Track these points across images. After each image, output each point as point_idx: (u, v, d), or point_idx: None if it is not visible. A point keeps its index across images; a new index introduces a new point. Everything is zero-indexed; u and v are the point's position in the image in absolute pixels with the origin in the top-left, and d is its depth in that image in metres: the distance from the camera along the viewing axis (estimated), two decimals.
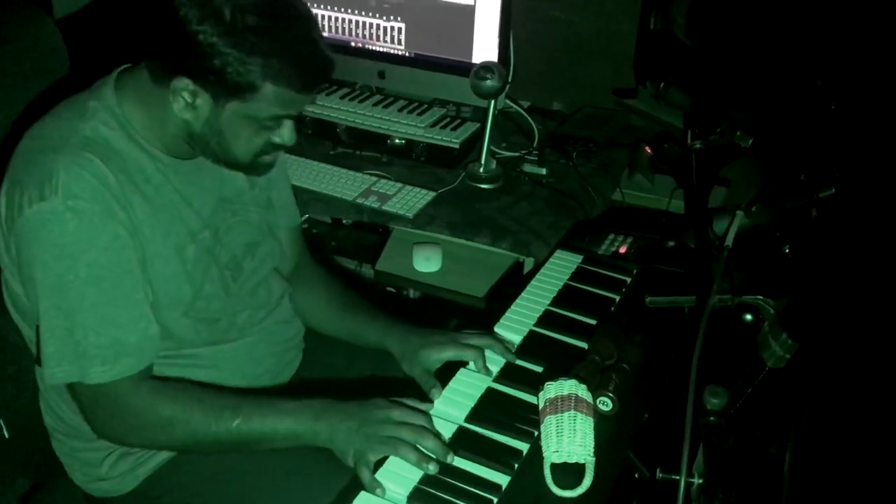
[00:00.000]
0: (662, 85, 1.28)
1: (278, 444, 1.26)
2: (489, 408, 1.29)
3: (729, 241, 1.03)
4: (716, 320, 1.13)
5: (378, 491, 1.13)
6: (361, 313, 1.52)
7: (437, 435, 1.21)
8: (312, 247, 1.68)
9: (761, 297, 1.05)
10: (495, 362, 1.37)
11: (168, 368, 1.33)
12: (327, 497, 1.28)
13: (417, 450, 1.17)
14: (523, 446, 1.22)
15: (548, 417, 1.19)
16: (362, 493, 1.14)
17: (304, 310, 1.58)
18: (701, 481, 0.86)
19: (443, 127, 2.15)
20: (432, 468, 1.16)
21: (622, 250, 1.73)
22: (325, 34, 2.24)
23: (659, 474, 0.88)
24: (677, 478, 0.86)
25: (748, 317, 1.07)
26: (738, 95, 1.35)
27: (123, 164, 1.22)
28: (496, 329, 1.47)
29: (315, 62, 1.20)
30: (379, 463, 1.18)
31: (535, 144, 2.17)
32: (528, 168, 2.09)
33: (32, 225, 1.16)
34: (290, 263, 1.59)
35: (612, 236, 1.77)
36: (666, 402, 0.97)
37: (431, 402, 1.29)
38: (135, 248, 1.22)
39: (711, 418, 0.88)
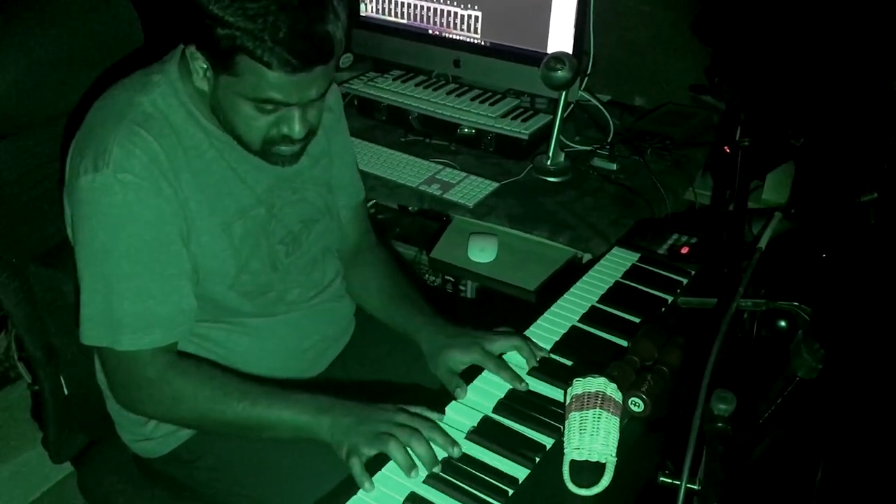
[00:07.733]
0: (717, 79, 1.22)
1: (282, 434, 1.26)
2: (518, 401, 1.27)
3: (762, 244, 0.98)
4: (750, 325, 1.08)
5: (367, 486, 1.11)
6: (405, 305, 1.50)
7: (446, 436, 1.18)
8: (377, 232, 1.67)
9: (797, 304, 0.99)
10: (522, 364, 1.35)
11: (216, 332, 1.37)
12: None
13: (406, 453, 1.14)
14: (547, 441, 1.20)
15: (572, 414, 1.17)
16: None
17: (355, 290, 1.60)
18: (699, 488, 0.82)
19: (514, 118, 2.13)
20: (413, 475, 1.13)
21: (684, 251, 1.66)
22: (404, 21, 2.27)
23: (660, 478, 0.85)
24: (678, 483, 0.83)
25: (782, 323, 1.01)
26: (798, 94, 1.28)
27: (178, 138, 1.26)
28: (540, 322, 1.45)
29: (294, 42, 1.10)
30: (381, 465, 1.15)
31: (609, 139, 2.12)
32: (597, 163, 2.05)
33: (84, 193, 1.21)
34: (350, 241, 1.60)
35: (675, 236, 1.71)
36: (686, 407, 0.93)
37: (443, 412, 1.25)
38: (179, 222, 1.26)
39: (719, 424, 0.84)
